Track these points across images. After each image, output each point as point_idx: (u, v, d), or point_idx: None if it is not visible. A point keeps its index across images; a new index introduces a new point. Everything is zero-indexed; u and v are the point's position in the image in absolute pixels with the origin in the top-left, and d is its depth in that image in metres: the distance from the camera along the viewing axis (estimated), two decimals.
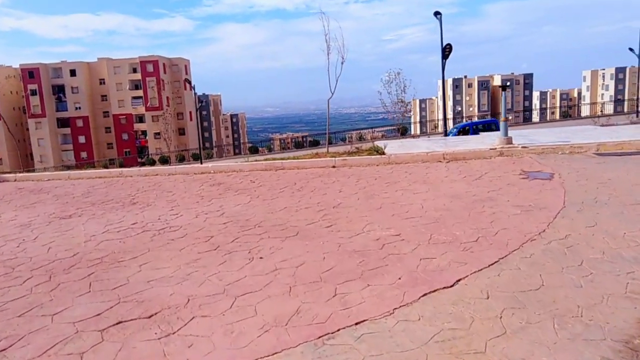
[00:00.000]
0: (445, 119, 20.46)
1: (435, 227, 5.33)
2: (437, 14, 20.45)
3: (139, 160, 70.33)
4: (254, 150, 45.14)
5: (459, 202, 6.51)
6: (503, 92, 10.89)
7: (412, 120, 39.99)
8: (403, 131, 42.38)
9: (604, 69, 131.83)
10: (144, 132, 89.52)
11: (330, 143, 42.98)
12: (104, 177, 10.61)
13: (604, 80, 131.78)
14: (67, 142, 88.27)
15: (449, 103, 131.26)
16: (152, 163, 51.62)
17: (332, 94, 12.89)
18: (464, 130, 24.87)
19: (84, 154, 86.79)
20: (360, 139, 46.41)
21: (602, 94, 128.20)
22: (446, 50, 18.55)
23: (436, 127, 47.48)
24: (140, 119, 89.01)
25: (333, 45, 12.48)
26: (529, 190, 7.09)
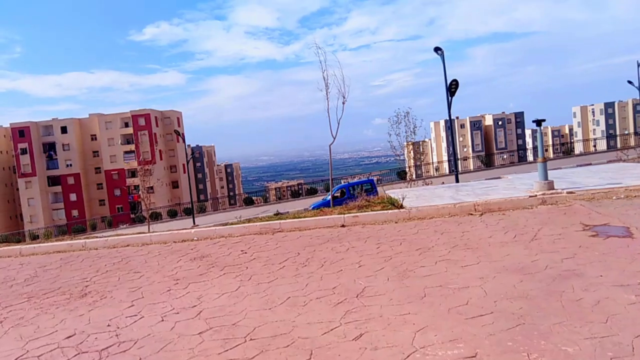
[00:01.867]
0: (455, 159, 18.83)
1: (527, 336, 3.41)
2: (437, 49, 19.23)
3: (132, 216, 68.26)
4: (249, 202, 43.30)
5: (532, 280, 4.62)
6: (538, 128, 9.22)
7: (407, 164, 38.53)
8: (403, 175, 40.82)
9: (593, 105, 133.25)
10: (137, 187, 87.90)
11: (327, 190, 41.23)
12: (63, 252, 8.64)
13: (594, 116, 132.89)
14: (58, 200, 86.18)
15: (442, 144, 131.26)
16: (143, 220, 49.58)
17: (334, 138, 11.23)
18: (341, 192, 23.68)
19: (75, 212, 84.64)
20: None
21: (594, 129, 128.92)
22: (452, 87, 17.14)
23: (437, 169, 46.01)
24: (133, 173, 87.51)
25: (332, 84, 10.92)
26: (614, 255, 5.23)
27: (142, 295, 5.45)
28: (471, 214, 8.69)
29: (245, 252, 7.23)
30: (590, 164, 30.74)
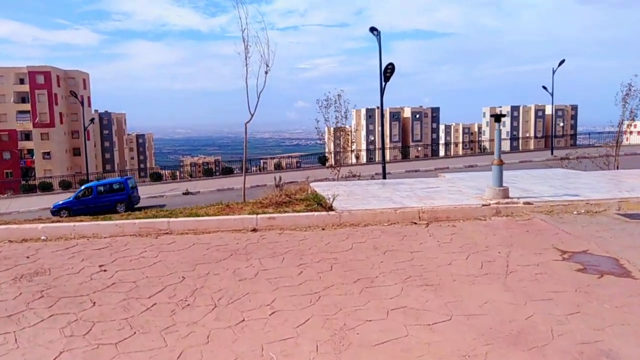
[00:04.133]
0: (383, 148, 17.40)
1: None
2: (373, 29, 17.47)
3: (22, 182, 60.55)
4: (156, 177, 39.44)
5: None
6: (497, 124, 7.72)
7: (327, 149, 37.52)
8: (323, 160, 39.33)
9: (501, 107, 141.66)
10: (31, 152, 78.90)
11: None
12: None
13: None
14: None
15: (362, 133, 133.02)
16: (31, 189, 43.71)
17: (252, 116, 9.02)
18: (87, 190, 22.61)
19: None
20: (278, 167, 42.63)
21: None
22: (387, 71, 15.51)
23: (358, 157, 45.08)
24: (27, 136, 78.45)
25: (253, 48, 8.65)
26: (633, 312, 3.70)
27: None
28: (415, 223, 7.00)
29: (105, 270, 4.89)
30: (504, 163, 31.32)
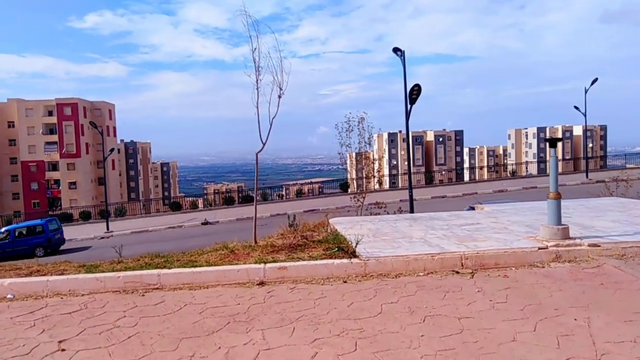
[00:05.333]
0: (410, 175, 16.16)
1: None
2: (396, 50, 16.50)
3: (50, 212, 61.13)
4: (176, 207, 38.89)
5: None
6: (552, 149, 6.44)
7: (349, 176, 36.44)
8: (345, 188, 38.15)
9: (526, 129, 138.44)
10: (57, 182, 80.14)
11: (264, 199, 37.69)
12: None
13: (527, 139, 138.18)
14: None
15: (384, 158, 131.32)
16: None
17: (264, 145, 7.96)
18: (6, 234, 20.71)
19: None
20: (299, 194, 41.61)
21: (526, 152, 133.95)
22: (413, 93, 14.42)
23: (380, 183, 43.70)
24: (54, 166, 79.95)
25: (265, 69, 7.64)
26: None
27: None
28: (457, 272, 5.75)
29: (64, 350, 3.79)
30: (535, 187, 29.48)
